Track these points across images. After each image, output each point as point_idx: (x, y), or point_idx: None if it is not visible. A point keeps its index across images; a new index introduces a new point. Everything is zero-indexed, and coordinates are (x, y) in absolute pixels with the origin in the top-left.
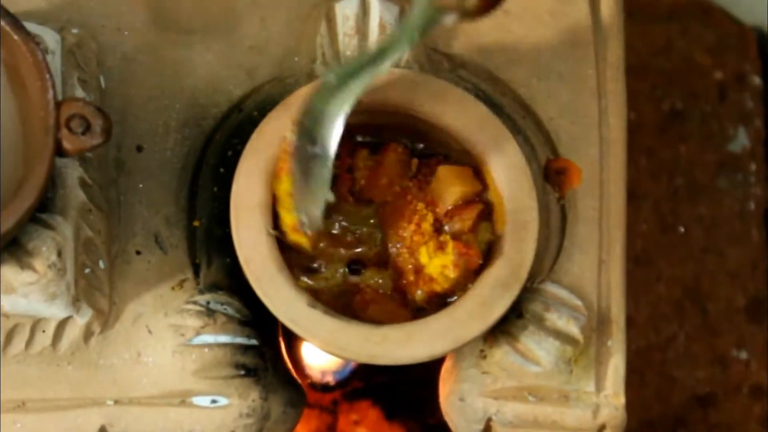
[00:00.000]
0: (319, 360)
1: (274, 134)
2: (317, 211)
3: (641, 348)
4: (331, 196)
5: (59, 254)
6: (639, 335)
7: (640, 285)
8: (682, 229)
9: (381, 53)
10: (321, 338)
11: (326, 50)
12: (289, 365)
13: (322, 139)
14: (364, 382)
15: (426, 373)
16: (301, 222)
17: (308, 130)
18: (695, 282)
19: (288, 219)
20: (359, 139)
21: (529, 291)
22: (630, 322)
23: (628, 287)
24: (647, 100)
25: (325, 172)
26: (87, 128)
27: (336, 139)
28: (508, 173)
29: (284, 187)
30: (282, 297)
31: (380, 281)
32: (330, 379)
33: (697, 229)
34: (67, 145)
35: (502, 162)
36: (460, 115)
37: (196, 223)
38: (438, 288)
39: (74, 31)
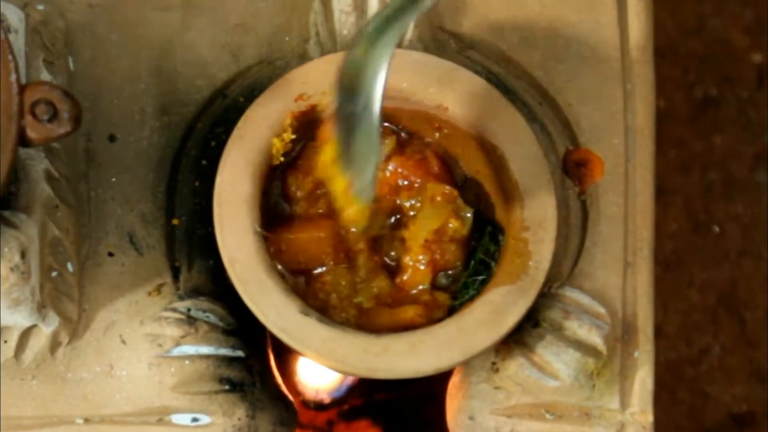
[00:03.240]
0: (312, 375)
1: (262, 121)
2: (368, 176)
3: (671, 361)
4: (380, 157)
5: (23, 255)
6: (669, 347)
7: (669, 291)
8: (716, 229)
9: None
10: (314, 349)
11: (320, 28)
12: (279, 380)
13: (366, 95)
14: (363, 399)
15: (432, 390)
16: (354, 188)
17: (349, 87)
18: (731, 288)
19: (339, 185)
20: None
21: (546, 297)
22: (659, 332)
23: (657, 293)
24: (678, 86)
25: (372, 131)
26: (54, 115)
27: (380, 93)
28: (522, 165)
29: (328, 156)
30: (271, 303)
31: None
32: (325, 397)
33: (733, 229)
34: (31, 133)
35: (517, 152)
36: (469, 100)
37: (175, 222)
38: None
39: (39, 7)
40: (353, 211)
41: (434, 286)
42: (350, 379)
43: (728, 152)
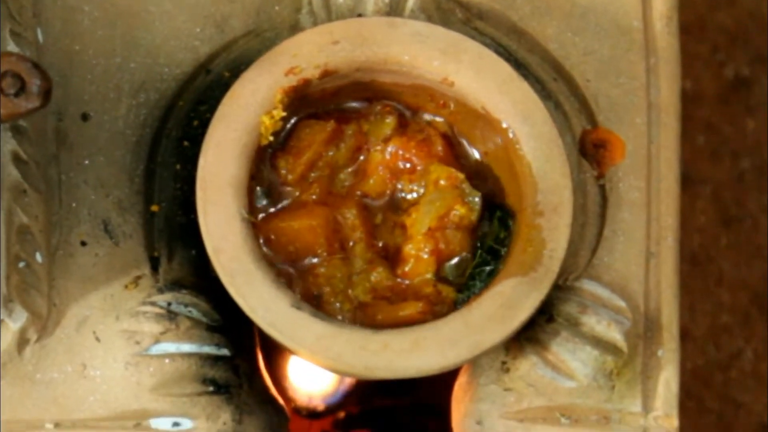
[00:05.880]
0: (305, 378)
1: (250, 97)
2: None
3: (699, 367)
4: None
5: None
6: (696, 351)
7: (697, 290)
8: (748, 222)
9: None
10: (307, 346)
11: None
12: (269, 382)
13: None
14: (361, 406)
15: (436, 394)
16: None
17: None
18: (765, 286)
19: None
20: (352, 104)
21: (561, 290)
22: (685, 335)
23: (683, 293)
24: (706, 65)
25: None
26: (21, 88)
27: None
28: (535, 145)
29: None
30: (259, 296)
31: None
32: (319, 404)
33: (766, 222)
34: None
35: (529, 132)
36: (477, 74)
37: (154, 208)
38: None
39: None
40: None
41: (438, 277)
42: (346, 384)
43: (761, 138)
